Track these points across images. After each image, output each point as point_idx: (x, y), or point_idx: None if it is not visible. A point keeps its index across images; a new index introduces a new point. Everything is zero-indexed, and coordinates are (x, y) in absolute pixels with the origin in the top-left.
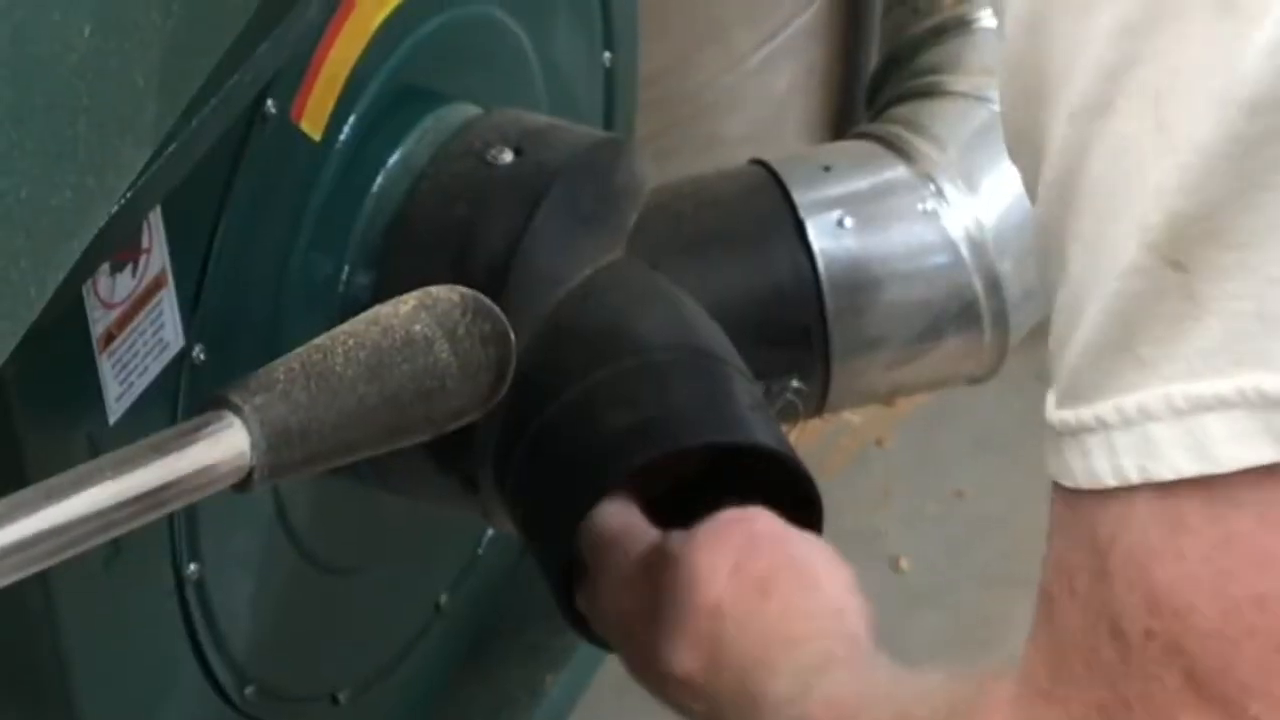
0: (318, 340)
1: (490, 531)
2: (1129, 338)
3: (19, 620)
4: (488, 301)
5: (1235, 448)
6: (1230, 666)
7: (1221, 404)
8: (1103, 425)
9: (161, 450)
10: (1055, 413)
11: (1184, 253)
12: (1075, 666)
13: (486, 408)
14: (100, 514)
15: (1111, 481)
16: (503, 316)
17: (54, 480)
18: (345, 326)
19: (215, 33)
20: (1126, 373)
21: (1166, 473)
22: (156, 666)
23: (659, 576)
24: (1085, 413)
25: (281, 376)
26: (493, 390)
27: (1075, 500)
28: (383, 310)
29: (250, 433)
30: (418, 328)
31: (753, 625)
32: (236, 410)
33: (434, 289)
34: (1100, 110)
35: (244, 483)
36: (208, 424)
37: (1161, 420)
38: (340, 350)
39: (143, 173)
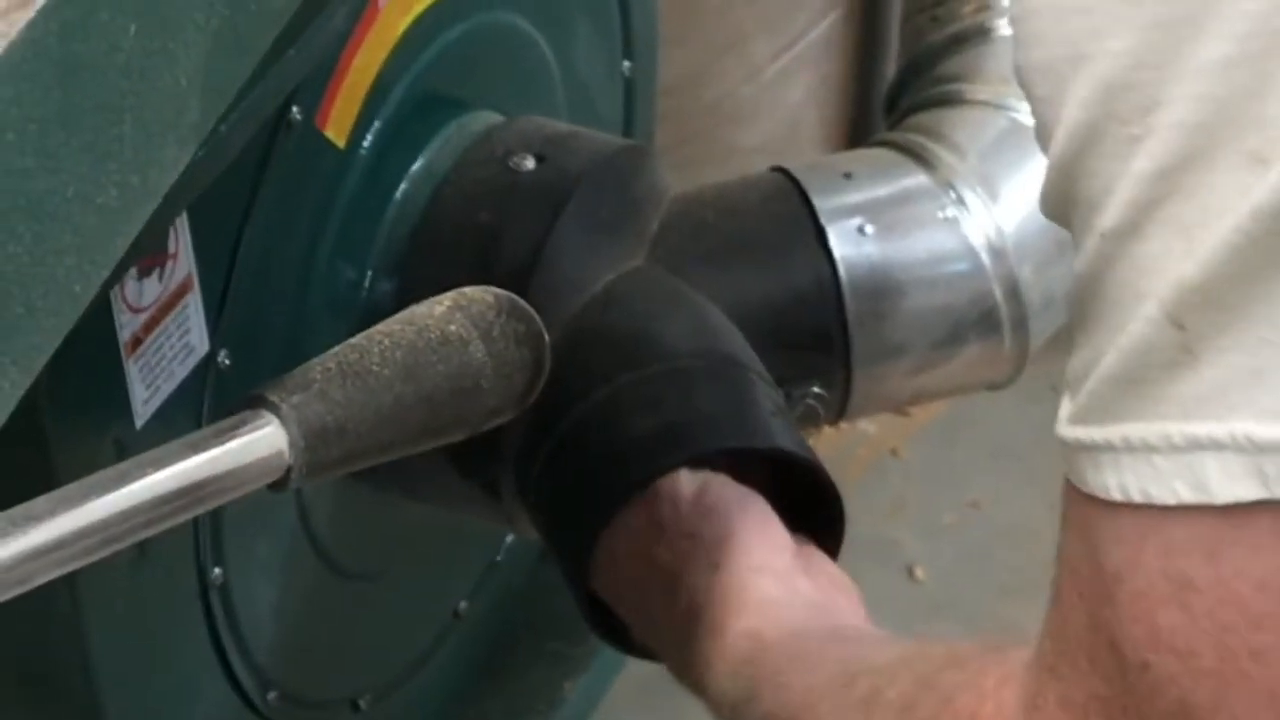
0: (354, 340)
1: (509, 538)
2: (1135, 377)
3: (45, 623)
4: (522, 302)
5: (1229, 484)
6: (1223, 703)
7: (1215, 445)
8: (1110, 447)
9: (200, 448)
10: (1069, 429)
11: (1185, 315)
12: (1078, 657)
13: (521, 407)
14: (139, 510)
15: (1117, 496)
16: (536, 317)
17: (94, 477)
18: (381, 326)
19: (257, 33)
20: (1131, 405)
21: (1168, 498)
22: (180, 670)
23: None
24: (1096, 433)
25: (318, 376)
26: (527, 390)
27: (1085, 504)
28: (418, 310)
29: (288, 431)
30: (453, 328)
31: (672, 627)
32: (274, 409)
33: (468, 290)
34: (1130, 233)
35: (281, 481)
36: (245, 422)
37: (1161, 453)
38: (376, 350)
39: None
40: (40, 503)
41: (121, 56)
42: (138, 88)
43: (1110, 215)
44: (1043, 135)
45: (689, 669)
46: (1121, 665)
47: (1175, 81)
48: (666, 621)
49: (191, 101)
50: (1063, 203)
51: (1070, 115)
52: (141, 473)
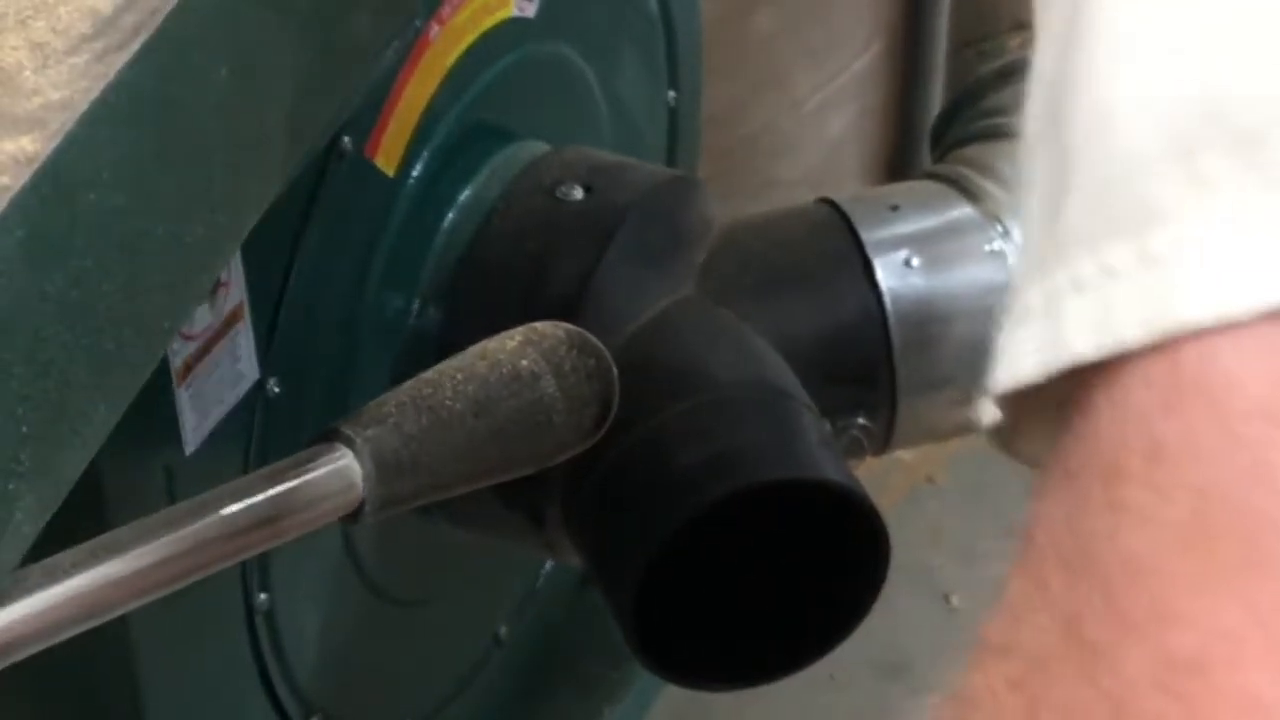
0: (426, 374)
1: (549, 563)
2: None
3: (93, 646)
4: (592, 338)
5: None
6: None
7: None
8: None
9: (276, 481)
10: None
11: None
12: None
13: (590, 442)
14: (217, 541)
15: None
16: (606, 352)
17: (173, 509)
18: (453, 361)
19: (340, 73)
20: None
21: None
22: (225, 694)
23: None
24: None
25: (393, 410)
26: (597, 424)
27: None
28: (489, 345)
29: (362, 465)
30: (524, 363)
31: None
32: (349, 442)
33: (540, 325)
34: None
35: (355, 514)
36: (320, 455)
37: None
38: (449, 384)
39: None
40: (123, 532)
41: (213, 98)
42: (227, 128)
43: None
44: None
45: None
46: None
47: None
48: None
49: (277, 141)
50: None
51: None
52: (220, 504)
